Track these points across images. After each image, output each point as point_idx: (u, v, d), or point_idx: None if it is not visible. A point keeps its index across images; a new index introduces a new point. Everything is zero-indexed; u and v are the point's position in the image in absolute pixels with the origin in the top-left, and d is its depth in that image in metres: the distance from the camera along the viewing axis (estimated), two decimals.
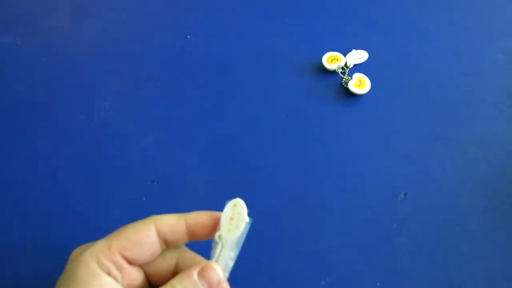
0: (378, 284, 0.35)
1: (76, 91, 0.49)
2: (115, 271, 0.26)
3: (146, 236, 0.27)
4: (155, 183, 0.42)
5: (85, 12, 0.57)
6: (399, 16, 0.55)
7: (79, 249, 0.27)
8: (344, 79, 0.48)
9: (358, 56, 0.50)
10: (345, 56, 0.50)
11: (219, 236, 0.27)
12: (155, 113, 0.47)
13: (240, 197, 0.41)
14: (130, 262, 0.27)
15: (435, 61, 0.50)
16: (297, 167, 0.43)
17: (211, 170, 0.42)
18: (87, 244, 0.27)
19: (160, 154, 0.44)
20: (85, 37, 0.54)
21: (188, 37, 0.53)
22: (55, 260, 0.37)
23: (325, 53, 0.50)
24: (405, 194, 0.40)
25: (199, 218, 0.28)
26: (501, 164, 0.42)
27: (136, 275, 0.27)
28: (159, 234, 0.27)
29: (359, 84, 0.47)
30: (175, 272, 0.29)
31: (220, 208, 0.41)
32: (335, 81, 0.49)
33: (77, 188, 0.42)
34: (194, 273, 0.26)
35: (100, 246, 0.26)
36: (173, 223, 0.28)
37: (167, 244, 0.28)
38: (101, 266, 0.25)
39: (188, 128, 0.46)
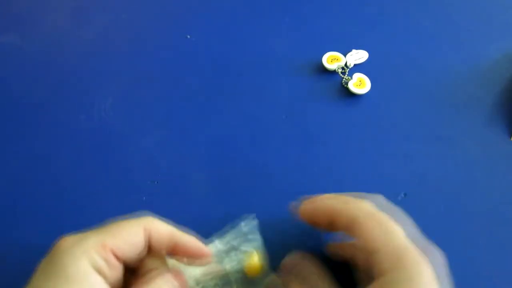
0: None
1: (76, 91, 0.49)
2: (106, 270, 0.26)
3: (139, 238, 0.27)
4: (155, 183, 0.42)
5: (85, 12, 0.57)
6: (399, 16, 0.55)
7: (68, 240, 0.27)
8: (344, 79, 0.48)
9: (358, 56, 0.50)
10: (345, 56, 0.50)
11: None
12: (155, 113, 0.47)
13: (240, 197, 0.41)
14: (119, 260, 0.27)
15: (435, 61, 0.50)
16: (297, 167, 0.43)
17: (211, 170, 0.42)
18: (76, 236, 0.27)
19: (160, 154, 0.44)
20: (85, 37, 0.54)
21: (188, 37, 0.53)
22: None
23: (325, 53, 0.50)
24: (405, 194, 0.40)
25: (190, 245, 0.29)
26: (501, 164, 0.42)
27: (120, 272, 0.28)
28: (147, 239, 0.28)
29: (359, 84, 0.47)
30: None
31: (221, 207, 0.41)
32: (335, 81, 0.49)
33: (77, 188, 0.42)
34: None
35: (93, 242, 0.26)
36: (164, 236, 0.28)
37: (148, 248, 0.29)
38: (93, 264, 0.25)
39: (188, 128, 0.46)
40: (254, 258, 0.33)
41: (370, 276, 0.25)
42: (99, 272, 0.25)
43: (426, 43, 0.52)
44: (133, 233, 0.27)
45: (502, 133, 0.44)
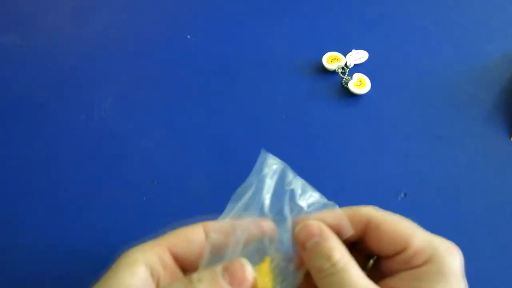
0: None
1: (76, 91, 0.49)
2: (157, 266, 0.25)
3: (194, 235, 0.26)
4: (155, 183, 0.42)
5: (85, 12, 0.57)
6: (399, 16, 0.55)
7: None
8: (344, 79, 0.48)
9: (358, 56, 0.50)
10: (345, 56, 0.50)
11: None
12: (155, 113, 0.47)
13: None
14: (179, 261, 0.26)
15: (435, 61, 0.50)
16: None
17: (211, 170, 0.42)
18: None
19: (160, 154, 0.44)
20: (85, 37, 0.54)
21: (188, 37, 0.53)
22: (55, 259, 0.37)
23: (325, 53, 0.50)
24: (405, 194, 0.40)
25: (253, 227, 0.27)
26: (501, 164, 0.42)
27: (176, 274, 0.26)
28: (207, 236, 0.27)
29: (359, 84, 0.47)
30: None
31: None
32: (335, 81, 0.49)
33: (77, 188, 0.42)
34: (219, 266, 0.25)
35: (149, 242, 0.26)
36: (222, 227, 0.27)
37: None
38: (143, 257, 0.25)
39: (188, 128, 0.46)
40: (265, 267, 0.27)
41: (394, 267, 0.25)
42: (148, 265, 0.25)
43: (426, 43, 0.52)
44: (190, 232, 0.27)
45: (502, 133, 0.44)
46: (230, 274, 0.24)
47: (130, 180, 0.42)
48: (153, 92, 0.48)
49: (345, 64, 0.50)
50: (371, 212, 0.26)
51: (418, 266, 0.24)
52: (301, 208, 0.28)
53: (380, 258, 0.27)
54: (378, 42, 0.52)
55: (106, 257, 0.36)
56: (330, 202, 0.27)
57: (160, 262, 0.25)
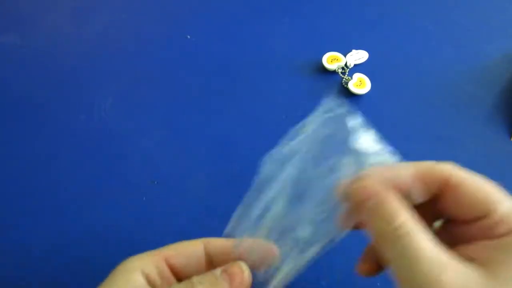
0: (378, 284, 0.35)
1: (76, 91, 0.49)
2: (154, 275, 0.25)
3: (193, 249, 0.27)
4: (155, 183, 0.42)
5: (85, 12, 0.57)
6: (399, 16, 0.55)
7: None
8: (344, 79, 0.48)
9: (358, 56, 0.50)
10: (345, 56, 0.50)
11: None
12: (155, 113, 0.47)
13: (240, 197, 0.41)
14: (176, 273, 0.26)
15: (435, 61, 0.50)
16: None
17: (211, 170, 0.42)
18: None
19: (160, 154, 0.44)
20: (85, 37, 0.54)
21: (188, 37, 0.53)
22: (54, 259, 0.37)
23: (325, 53, 0.50)
24: None
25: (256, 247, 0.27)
26: (501, 164, 0.42)
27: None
28: (206, 252, 0.27)
29: (359, 84, 0.47)
30: None
31: (221, 207, 0.41)
32: (335, 81, 0.49)
33: (77, 188, 0.42)
34: (218, 270, 0.26)
35: (148, 252, 0.26)
36: (223, 245, 0.27)
37: (212, 264, 0.27)
38: (140, 265, 0.25)
39: (188, 128, 0.46)
40: None
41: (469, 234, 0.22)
42: (144, 274, 0.25)
43: (426, 43, 0.52)
44: (188, 245, 0.27)
45: (502, 133, 0.44)
46: (229, 276, 0.25)
47: (130, 180, 0.42)
48: (153, 92, 0.48)
49: (345, 64, 0.50)
50: (450, 170, 0.23)
51: (501, 235, 0.20)
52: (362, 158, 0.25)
53: (453, 222, 0.23)
54: (378, 42, 0.52)
55: (106, 257, 0.36)
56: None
57: (157, 271, 0.25)
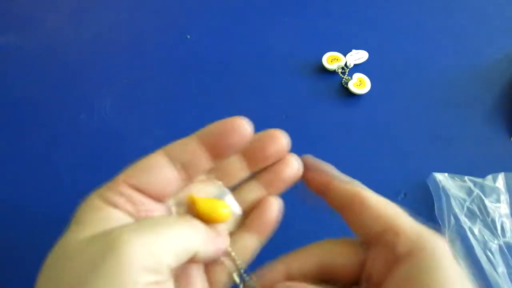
0: None
1: (76, 91, 0.49)
2: (124, 204, 0.22)
3: (154, 160, 0.24)
4: None
5: (85, 12, 0.57)
6: (399, 16, 0.55)
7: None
8: (344, 79, 0.48)
9: (358, 56, 0.50)
10: (345, 56, 0.50)
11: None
12: (155, 113, 0.47)
13: None
14: (144, 193, 0.23)
15: (435, 61, 0.50)
16: None
17: None
18: None
19: None
20: (85, 37, 0.54)
21: (188, 37, 0.53)
22: None
23: (325, 53, 0.50)
24: (405, 194, 0.40)
25: (215, 129, 0.25)
26: (501, 164, 0.42)
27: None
28: (171, 158, 0.24)
29: (359, 84, 0.47)
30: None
31: None
32: (335, 81, 0.49)
33: (77, 188, 0.42)
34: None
35: (105, 184, 0.23)
36: (185, 142, 0.25)
37: (188, 173, 0.24)
38: (105, 200, 0.22)
39: (188, 128, 0.45)
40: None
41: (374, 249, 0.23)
42: (116, 206, 0.22)
43: (426, 43, 0.52)
44: (147, 158, 0.25)
45: (502, 133, 0.44)
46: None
47: None
48: (153, 92, 0.48)
49: (345, 64, 0.50)
50: (357, 188, 0.25)
51: (401, 260, 0.21)
52: None
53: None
54: (378, 42, 0.52)
55: None
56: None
57: (124, 199, 0.22)
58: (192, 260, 0.21)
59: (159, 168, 0.24)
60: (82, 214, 0.22)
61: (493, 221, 0.37)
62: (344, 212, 0.25)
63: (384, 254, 0.22)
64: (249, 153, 0.27)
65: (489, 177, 0.39)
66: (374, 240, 0.23)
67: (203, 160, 0.24)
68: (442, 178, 0.39)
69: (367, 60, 0.50)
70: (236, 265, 0.24)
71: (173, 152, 0.25)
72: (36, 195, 0.41)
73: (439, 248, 0.21)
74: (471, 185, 0.39)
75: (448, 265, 0.20)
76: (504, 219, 0.37)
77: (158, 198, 0.23)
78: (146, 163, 0.24)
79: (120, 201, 0.22)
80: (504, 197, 0.38)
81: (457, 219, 0.37)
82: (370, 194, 0.24)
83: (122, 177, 0.23)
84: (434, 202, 0.38)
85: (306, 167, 0.27)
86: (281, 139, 0.27)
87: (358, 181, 0.26)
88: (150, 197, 0.23)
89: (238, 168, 0.26)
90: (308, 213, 0.37)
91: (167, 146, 0.25)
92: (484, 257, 0.34)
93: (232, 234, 0.25)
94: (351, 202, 0.24)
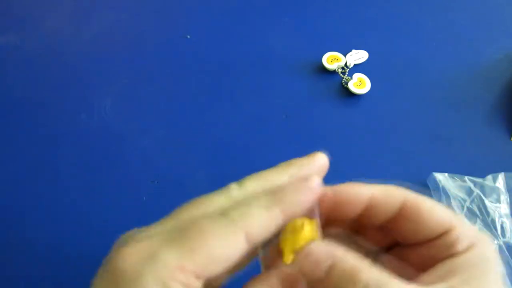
0: None
1: (76, 91, 0.49)
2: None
3: (234, 249, 0.19)
4: (155, 183, 0.42)
5: (85, 12, 0.57)
6: (399, 16, 0.55)
7: (132, 254, 0.19)
8: (344, 79, 0.48)
9: (358, 56, 0.50)
10: (345, 56, 0.50)
11: None
12: (155, 113, 0.47)
13: None
14: (201, 279, 0.19)
15: (435, 61, 0.50)
16: None
17: (211, 170, 0.42)
18: (143, 247, 0.19)
19: (160, 154, 0.44)
20: (85, 37, 0.54)
21: (188, 37, 0.53)
22: (54, 260, 0.37)
23: (325, 53, 0.50)
24: None
25: (299, 200, 0.21)
26: (501, 164, 0.42)
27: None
28: (249, 243, 0.19)
29: (359, 84, 0.47)
30: None
31: None
32: (335, 81, 0.49)
33: (77, 188, 0.42)
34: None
35: (168, 263, 0.18)
36: (267, 223, 0.20)
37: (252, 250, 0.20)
38: (168, 277, 0.18)
39: (188, 128, 0.46)
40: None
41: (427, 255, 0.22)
42: None
43: (426, 43, 0.52)
44: (227, 246, 0.19)
45: (502, 133, 0.44)
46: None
47: (130, 180, 0.42)
48: (153, 92, 0.48)
49: (345, 64, 0.50)
50: (405, 193, 0.23)
51: (463, 251, 0.21)
52: None
53: (409, 248, 0.23)
54: (378, 42, 0.52)
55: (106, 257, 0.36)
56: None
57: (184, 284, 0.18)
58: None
59: (238, 259, 0.19)
60: None
61: (493, 221, 0.37)
62: (392, 223, 0.23)
63: (435, 250, 0.21)
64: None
65: (489, 177, 0.39)
66: (427, 242, 0.22)
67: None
68: (442, 178, 0.39)
69: (367, 60, 0.50)
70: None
71: (253, 236, 0.20)
72: (35, 195, 0.41)
73: (492, 246, 0.21)
74: (471, 185, 0.39)
75: (497, 263, 0.20)
76: (504, 219, 0.37)
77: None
78: (226, 252, 0.19)
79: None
80: (504, 197, 0.38)
81: None
82: (418, 198, 0.23)
83: (191, 266, 0.18)
84: None
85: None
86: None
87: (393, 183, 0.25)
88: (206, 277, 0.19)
89: None
90: None
91: (246, 220, 0.20)
92: None
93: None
94: (400, 211, 0.22)
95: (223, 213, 0.20)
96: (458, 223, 0.21)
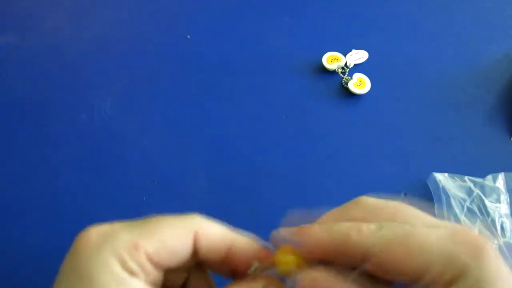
0: None
1: (76, 91, 0.49)
2: (140, 273, 0.20)
3: (183, 244, 0.21)
4: (155, 183, 0.42)
5: (85, 12, 0.57)
6: (399, 16, 0.55)
7: (93, 235, 0.22)
8: (344, 79, 0.48)
9: (358, 56, 0.50)
10: (345, 56, 0.50)
11: None
12: (155, 113, 0.47)
13: (240, 197, 0.41)
14: (153, 264, 0.21)
15: (435, 61, 0.50)
16: (297, 167, 0.43)
17: (211, 170, 0.42)
18: (102, 230, 0.22)
19: (160, 154, 0.44)
20: (85, 37, 0.54)
21: (188, 37, 0.53)
22: (54, 260, 0.37)
23: (325, 53, 0.50)
24: (405, 194, 0.40)
25: (248, 249, 0.22)
26: (501, 164, 0.42)
27: (157, 277, 0.22)
28: (195, 246, 0.22)
29: (359, 84, 0.47)
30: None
31: (221, 207, 0.41)
32: (335, 81, 0.49)
33: (77, 188, 0.42)
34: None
35: (124, 241, 0.20)
36: (217, 240, 0.22)
37: (196, 258, 0.22)
38: (125, 268, 0.20)
39: (188, 128, 0.46)
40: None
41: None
42: (132, 275, 0.20)
43: (426, 43, 0.52)
44: (176, 236, 0.21)
45: (502, 133, 0.44)
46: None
47: (130, 180, 0.42)
48: (153, 92, 0.48)
49: (345, 64, 0.50)
50: (372, 244, 0.20)
51: (456, 282, 0.18)
52: None
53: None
54: (378, 42, 0.52)
55: None
56: None
57: (141, 269, 0.20)
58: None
59: (184, 255, 0.22)
60: (95, 272, 0.19)
61: (493, 221, 0.37)
62: (382, 260, 0.20)
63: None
64: None
65: (489, 177, 0.39)
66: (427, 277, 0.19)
67: (218, 259, 0.23)
68: (442, 178, 0.39)
69: (367, 60, 0.50)
70: None
71: (202, 243, 0.22)
72: (35, 195, 0.41)
73: (496, 255, 0.19)
74: (471, 185, 0.39)
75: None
76: (504, 219, 0.37)
77: (168, 275, 0.22)
78: (176, 244, 0.21)
79: (138, 270, 0.20)
80: (504, 197, 0.38)
81: (457, 219, 0.37)
82: (418, 230, 0.20)
83: (144, 247, 0.20)
84: (434, 202, 0.38)
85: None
86: None
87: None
88: (162, 270, 0.22)
89: None
90: None
91: (201, 226, 0.22)
92: None
93: None
94: (393, 248, 0.20)
95: (181, 216, 0.22)
96: (433, 265, 0.19)
